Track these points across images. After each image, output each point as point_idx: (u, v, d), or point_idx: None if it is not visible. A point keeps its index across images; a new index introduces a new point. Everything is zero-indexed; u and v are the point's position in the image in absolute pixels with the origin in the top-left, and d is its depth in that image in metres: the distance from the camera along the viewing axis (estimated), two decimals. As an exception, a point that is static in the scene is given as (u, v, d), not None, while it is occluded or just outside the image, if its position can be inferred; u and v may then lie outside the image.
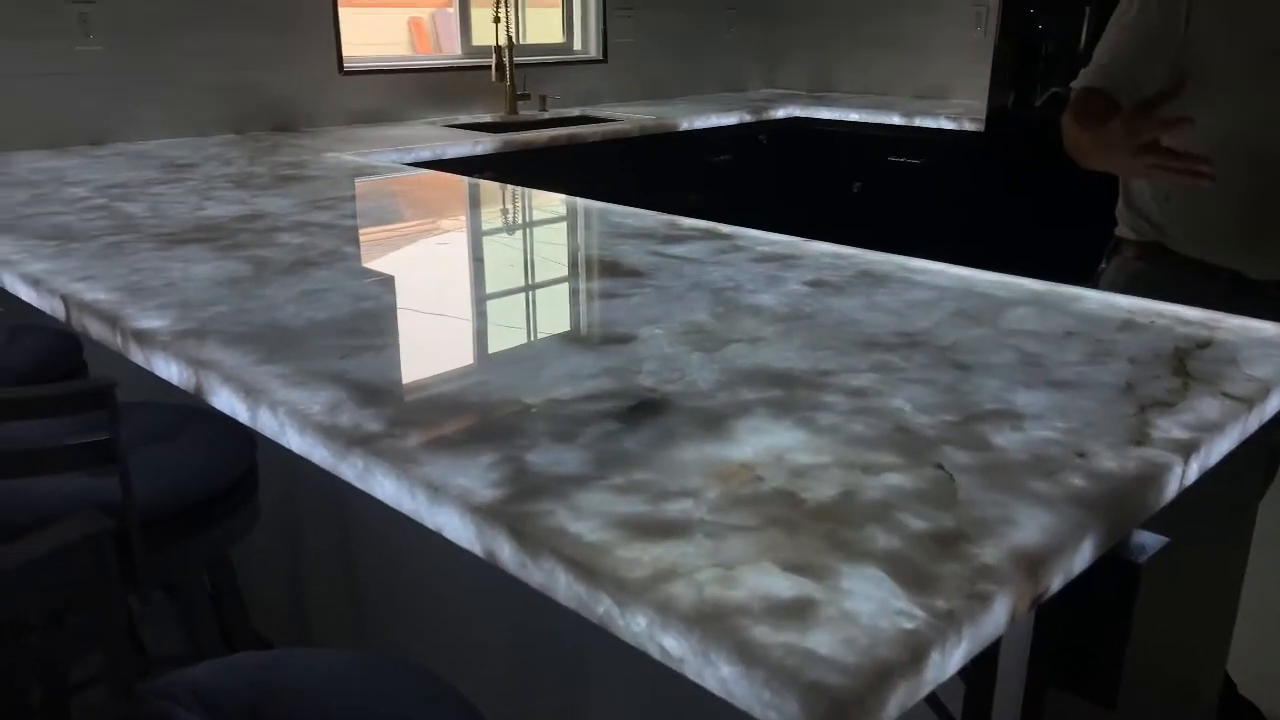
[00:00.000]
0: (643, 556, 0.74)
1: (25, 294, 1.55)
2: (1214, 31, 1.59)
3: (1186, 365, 1.14)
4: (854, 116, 4.01)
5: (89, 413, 1.17)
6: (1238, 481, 1.21)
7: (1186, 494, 0.96)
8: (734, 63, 4.79)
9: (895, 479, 0.87)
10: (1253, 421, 1.06)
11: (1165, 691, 1.16)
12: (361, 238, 1.85)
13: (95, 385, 1.14)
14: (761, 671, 0.63)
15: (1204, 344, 1.22)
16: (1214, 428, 0.98)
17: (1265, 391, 1.08)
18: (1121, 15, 1.69)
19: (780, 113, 4.13)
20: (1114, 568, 0.86)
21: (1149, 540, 0.90)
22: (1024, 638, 0.89)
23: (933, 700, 0.88)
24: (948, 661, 0.67)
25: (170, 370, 1.19)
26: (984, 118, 3.54)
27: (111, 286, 1.46)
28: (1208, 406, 1.03)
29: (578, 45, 4.23)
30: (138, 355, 1.26)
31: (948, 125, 3.69)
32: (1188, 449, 0.94)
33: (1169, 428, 0.98)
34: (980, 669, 0.88)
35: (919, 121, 3.78)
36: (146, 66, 2.97)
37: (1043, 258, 2.16)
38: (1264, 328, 1.27)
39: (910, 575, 0.72)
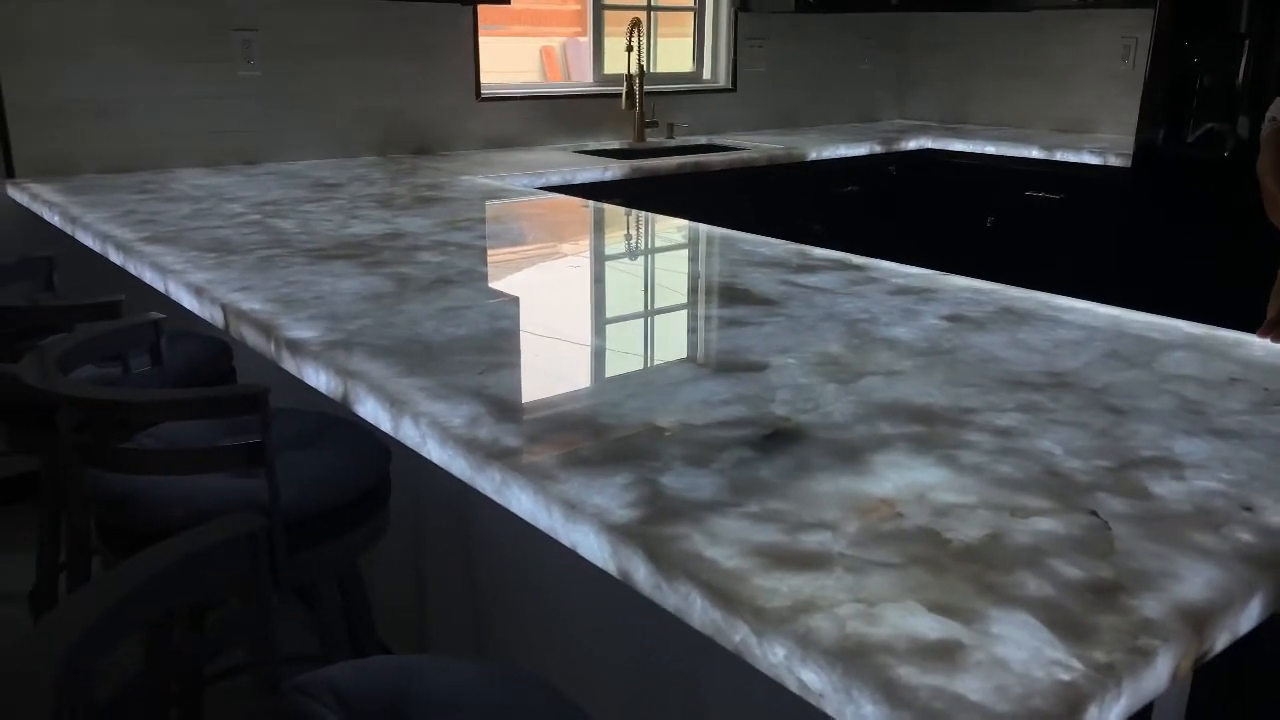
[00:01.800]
0: (781, 587, 0.73)
1: (188, 301, 1.65)
2: None
3: (1367, 419, 1.06)
4: (989, 149, 3.91)
5: (243, 415, 1.23)
6: None
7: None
8: (866, 93, 4.74)
9: (1046, 524, 0.84)
10: None
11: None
12: (497, 258, 1.90)
13: (250, 390, 1.20)
14: (908, 714, 0.61)
15: (1386, 397, 1.13)
16: (1403, 488, 0.91)
17: None
18: None
19: (911, 144, 4.06)
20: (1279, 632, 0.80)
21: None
22: (1179, 700, 0.84)
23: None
24: (1105, 717, 0.63)
25: (319, 379, 1.25)
26: (1131, 153, 3.40)
27: (266, 297, 1.54)
28: (1394, 464, 0.95)
29: (707, 74, 4.26)
30: (289, 363, 1.32)
31: (1091, 160, 3.55)
32: (1373, 509, 0.87)
33: (1350, 485, 0.91)
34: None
35: (1060, 155, 3.66)
36: (299, 91, 3.14)
37: (1192, 301, 2.05)
38: None
39: (1065, 624, 0.69)
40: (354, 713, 0.89)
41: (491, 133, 3.57)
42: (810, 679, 0.66)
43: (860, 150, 3.89)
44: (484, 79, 3.53)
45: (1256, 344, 1.34)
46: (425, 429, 1.04)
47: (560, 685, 1.04)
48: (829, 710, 0.66)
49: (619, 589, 0.81)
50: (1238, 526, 0.83)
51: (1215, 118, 3.17)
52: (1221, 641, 0.73)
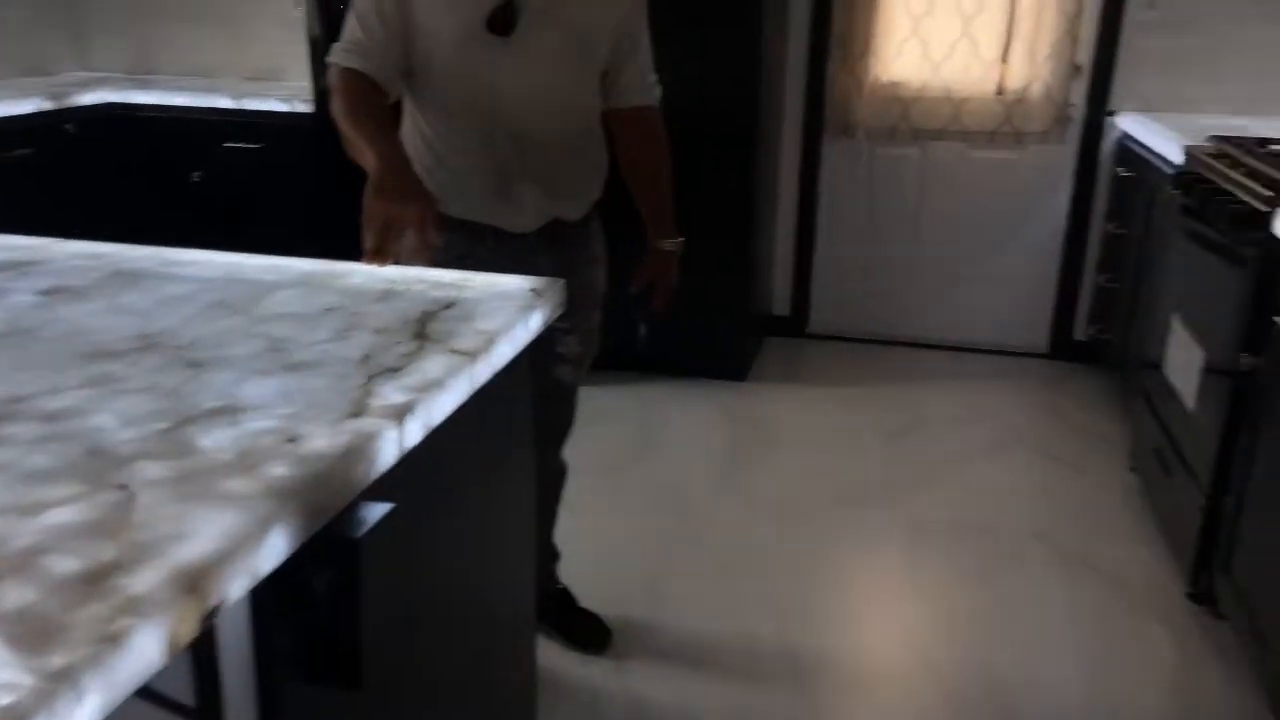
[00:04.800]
0: None
1: None
2: (429, 6, 1.67)
3: (427, 328, 1.18)
4: (180, 100, 3.68)
5: None
6: (494, 428, 1.28)
7: (420, 454, 0.98)
8: (33, 43, 4.08)
9: (62, 515, 0.74)
10: (481, 372, 1.12)
11: (453, 641, 1.21)
12: None
13: None
14: None
15: (450, 304, 1.27)
16: (435, 385, 1.01)
17: (491, 342, 1.15)
18: None
19: (89, 98, 3.63)
20: (332, 548, 0.83)
21: (373, 511, 0.89)
22: (244, 643, 0.83)
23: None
24: (65, 727, 0.56)
25: None
26: (313, 98, 3.47)
27: None
28: (433, 365, 1.06)
29: None
30: None
31: (279, 107, 3.56)
32: (402, 412, 0.95)
33: (390, 393, 0.98)
34: (204, 693, 0.79)
35: (249, 104, 3.60)
36: None
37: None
38: (507, 282, 1.37)
39: (33, 635, 0.60)
40: None
41: None
42: None
43: (25, 108, 3.36)
44: None
45: (362, 271, 1.41)
46: None
47: None
48: None
49: None
50: (276, 462, 0.83)
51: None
52: (238, 588, 0.71)
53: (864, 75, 3.75)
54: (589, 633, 2.10)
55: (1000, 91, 3.69)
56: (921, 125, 3.80)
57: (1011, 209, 3.85)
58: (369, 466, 0.89)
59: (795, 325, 4.17)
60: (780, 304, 4.18)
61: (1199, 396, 2.29)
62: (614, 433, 3.17)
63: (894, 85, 3.77)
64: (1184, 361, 2.41)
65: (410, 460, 0.96)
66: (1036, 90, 3.63)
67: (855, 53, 3.74)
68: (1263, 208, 2.03)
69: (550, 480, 2.04)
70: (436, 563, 1.11)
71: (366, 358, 1.08)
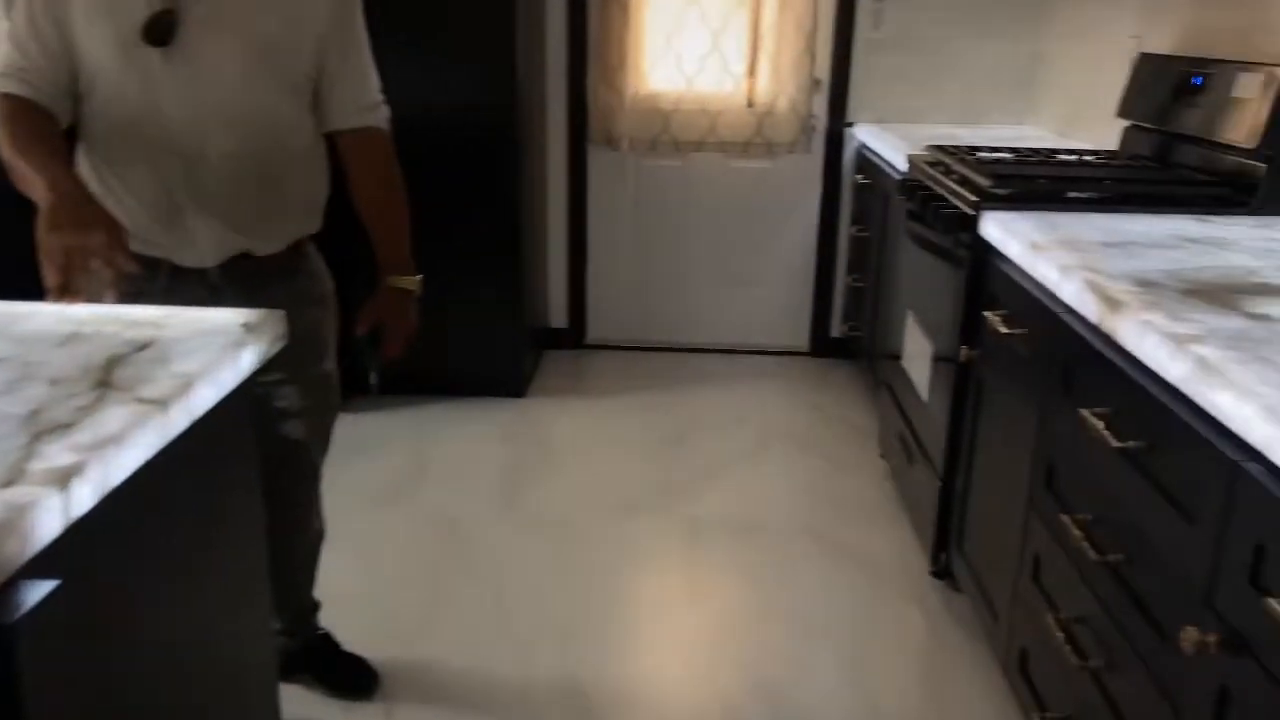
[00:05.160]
0: None
1: None
2: (85, 20, 1.54)
3: (113, 375, 1.07)
4: None
5: None
6: (201, 483, 1.19)
7: (98, 520, 0.89)
8: None
9: None
10: (177, 420, 1.03)
11: (168, 718, 1.11)
12: None
13: None
14: None
15: (145, 346, 1.16)
16: (112, 441, 0.92)
17: (188, 387, 1.06)
18: (13, 7, 1.56)
19: None
20: (-23, 639, 0.74)
21: (32, 591, 0.79)
22: None
23: None
24: None
25: None
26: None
27: None
28: (113, 418, 0.96)
29: None
30: None
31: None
32: (68, 475, 0.85)
33: (56, 454, 0.88)
34: None
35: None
36: None
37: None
38: (214, 317, 1.27)
39: None
40: None
41: None
42: None
43: None
44: None
45: (49, 313, 1.27)
46: None
47: None
48: None
49: None
50: (-104, 547, 0.73)
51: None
52: None
53: (623, 88, 3.82)
54: (353, 678, 2.00)
55: (750, 104, 3.87)
56: (681, 137, 3.91)
57: (769, 216, 4.04)
58: (24, 541, 0.79)
59: (573, 337, 4.19)
60: (558, 316, 4.18)
61: (930, 387, 2.47)
62: (385, 460, 3.06)
63: (653, 98, 3.87)
64: (917, 354, 2.60)
65: (83, 529, 0.87)
66: (783, 103, 3.82)
67: (612, 65, 3.81)
68: (970, 211, 2.21)
69: (302, 542, 1.92)
70: (133, 637, 1.01)
71: (34, 414, 0.97)
